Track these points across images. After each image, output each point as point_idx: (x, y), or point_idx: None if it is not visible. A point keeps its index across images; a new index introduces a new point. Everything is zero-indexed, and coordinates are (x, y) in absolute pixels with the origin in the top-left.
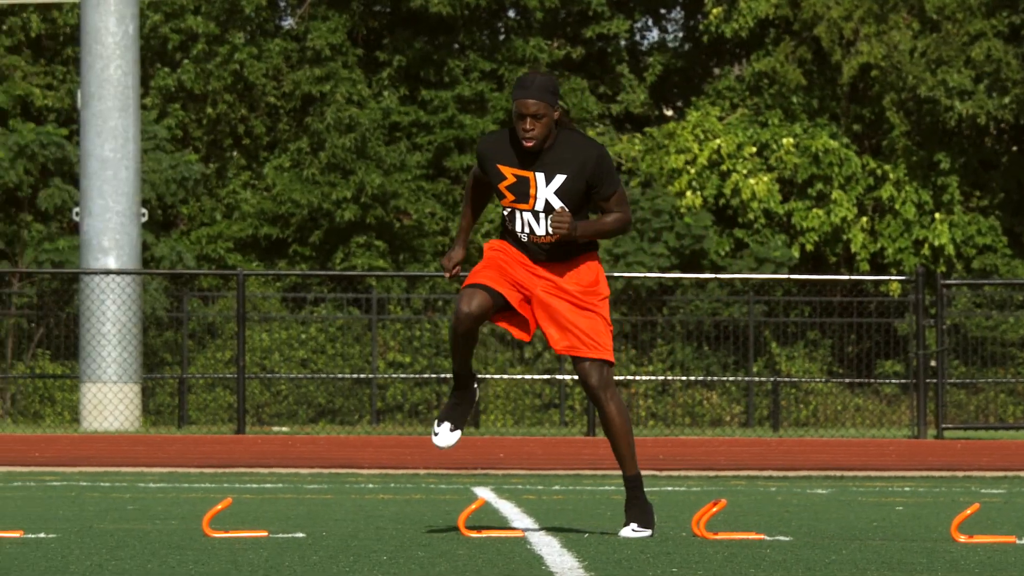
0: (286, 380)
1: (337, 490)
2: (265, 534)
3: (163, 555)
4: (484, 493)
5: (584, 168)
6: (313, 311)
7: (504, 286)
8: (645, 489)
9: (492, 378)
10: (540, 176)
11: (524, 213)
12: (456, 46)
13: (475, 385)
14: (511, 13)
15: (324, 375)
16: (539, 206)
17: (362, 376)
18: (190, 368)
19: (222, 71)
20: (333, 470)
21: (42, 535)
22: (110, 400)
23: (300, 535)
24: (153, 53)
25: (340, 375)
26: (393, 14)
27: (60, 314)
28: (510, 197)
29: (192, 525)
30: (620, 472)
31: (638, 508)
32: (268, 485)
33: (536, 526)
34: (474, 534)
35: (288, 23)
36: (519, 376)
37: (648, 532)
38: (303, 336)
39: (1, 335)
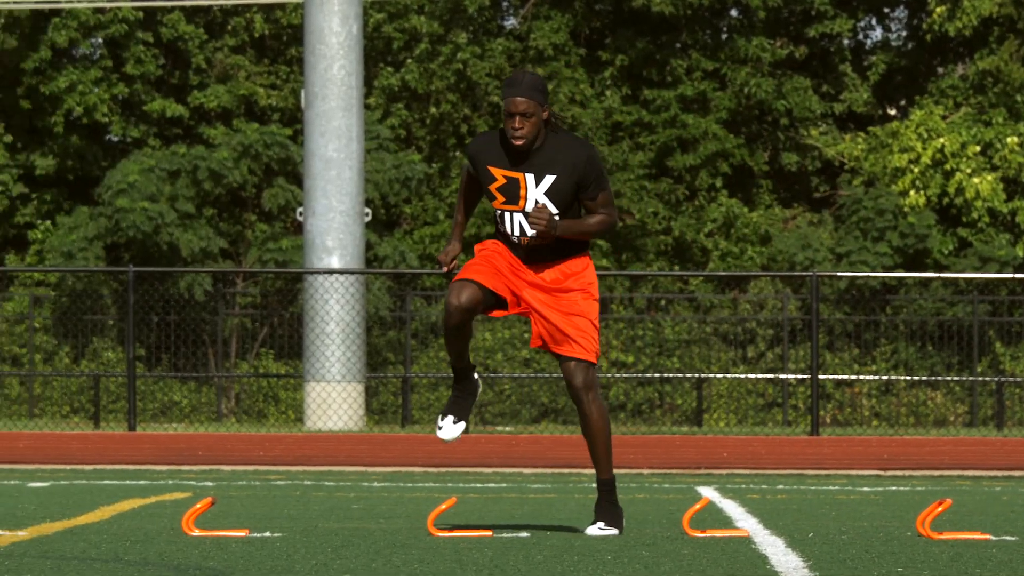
0: (509, 380)
1: (560, 489)
2: (489, 533)
3: (388, 554)
4: (708, 492)
5: (575, 168)
6: None
7: (494, 281)
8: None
9: (715, 377)
10: (530, 177)
11: (515, 215)
12: (678, 45)
13: (475, 376)
14: (733, 12)
15: (547, 375)
16: (529, 207)
17: None
18: (413, 367)
19: (445, 70)
20: (556, 470)
21: (267, 534)
22: (334, 399)
23: (524, 535)
24: (376, 53)
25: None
26: (615, 14)
27: (284, 314)
28: (501, 198)
29: (417, 524)
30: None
31: (607, 510)
32: (492, 485)
33: (760, 526)
34: (698, 533)
35: (511, 23)
36: (742, 375)
37: (615, 531)
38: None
39: (225, 335)
